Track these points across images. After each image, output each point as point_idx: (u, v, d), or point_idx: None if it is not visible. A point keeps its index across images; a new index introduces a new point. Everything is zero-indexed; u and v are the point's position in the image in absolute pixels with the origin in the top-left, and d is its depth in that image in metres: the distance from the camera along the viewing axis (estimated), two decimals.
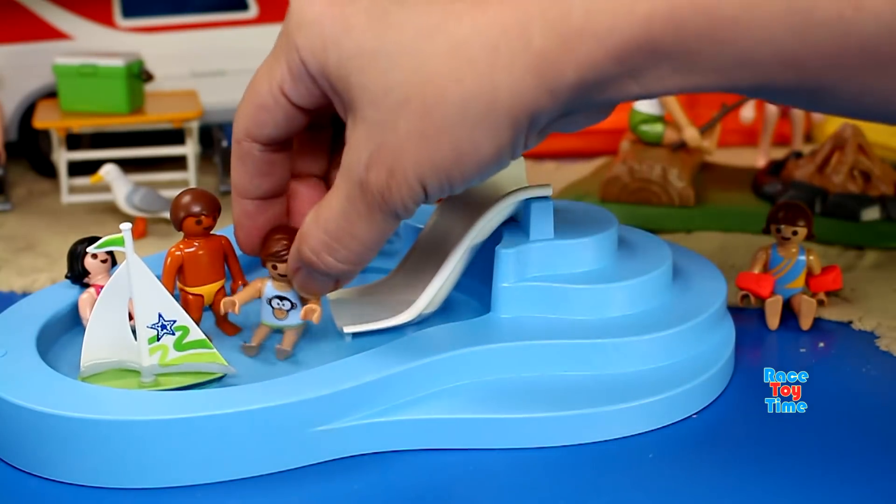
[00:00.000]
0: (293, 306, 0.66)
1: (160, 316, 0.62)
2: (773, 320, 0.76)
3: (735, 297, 0.79)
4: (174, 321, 0.63)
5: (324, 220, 0.60)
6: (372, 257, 0.62)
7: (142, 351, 0.63)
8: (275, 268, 0.65)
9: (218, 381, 0.64)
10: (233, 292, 0.70)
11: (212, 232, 0.69)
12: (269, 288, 0.66)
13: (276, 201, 0.66)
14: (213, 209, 0.68)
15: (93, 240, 0.66)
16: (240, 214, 0.66)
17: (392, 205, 0.58)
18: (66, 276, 0.71)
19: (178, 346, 0.63)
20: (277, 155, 0.64)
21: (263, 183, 0.65)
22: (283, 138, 0.63)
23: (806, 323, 0.76)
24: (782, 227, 0.77)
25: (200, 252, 0.68)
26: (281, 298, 0.66)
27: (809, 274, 0.78)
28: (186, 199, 0.67)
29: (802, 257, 0.77)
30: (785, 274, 0.77)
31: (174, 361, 0.63)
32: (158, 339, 0.63)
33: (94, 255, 0.69)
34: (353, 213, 0.59)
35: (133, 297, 0.62)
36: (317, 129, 0.67)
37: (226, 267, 0.71)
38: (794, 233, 0.77)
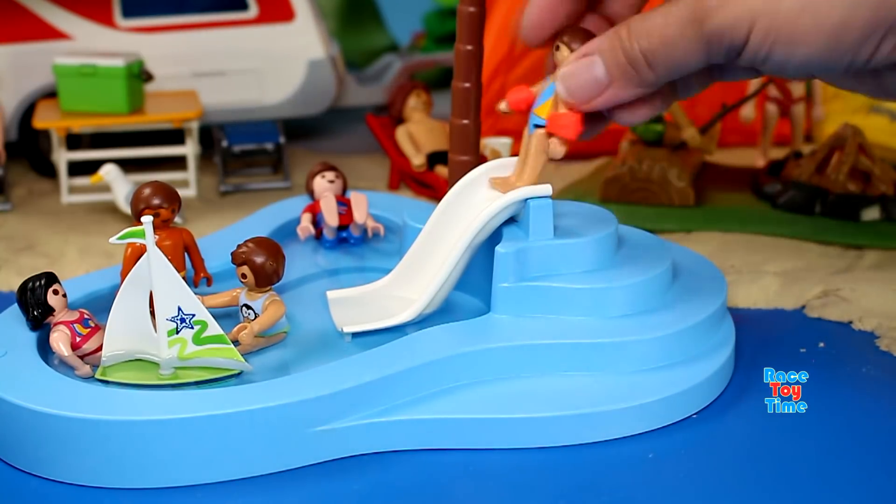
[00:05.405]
0: (257, 317, 0.67)
1: (179, 309, 0.63)
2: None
3: (735, 298, 0.79)
4: (193, 315, 0.63)
5: (651, 11, 0.60)
6: (661, 81, 0.61)
7: (161, 343, 0.63)
8: (244, 276, 0.67)
9: (235, 377, 0.64)
10: (195, 285, 0.72)
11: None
12: (242, 296, 0.68)
13: None
14: (172, 201, 0.69)
15: (42, 276, 0.65)
16: None
17: (709, 27, 0.58)
18: (29, 320, 0.66)
19: (197, 340, 0.63)
20: None
21: None
22: None
23: None
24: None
25: (161, 244, 0.67)
26: (247, 307, 0.68)
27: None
28: (146, 191, 0.69)
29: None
30: (539, 95, 0.66)
31: (192, 355, 0.63)
32: (178, 332, 0.63)
33: (56, 291, 0.65)
34: (675, 16, 0.59)
35: (153, 290, 0.63)
36: None
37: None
38: (557, 48, 0.65)
